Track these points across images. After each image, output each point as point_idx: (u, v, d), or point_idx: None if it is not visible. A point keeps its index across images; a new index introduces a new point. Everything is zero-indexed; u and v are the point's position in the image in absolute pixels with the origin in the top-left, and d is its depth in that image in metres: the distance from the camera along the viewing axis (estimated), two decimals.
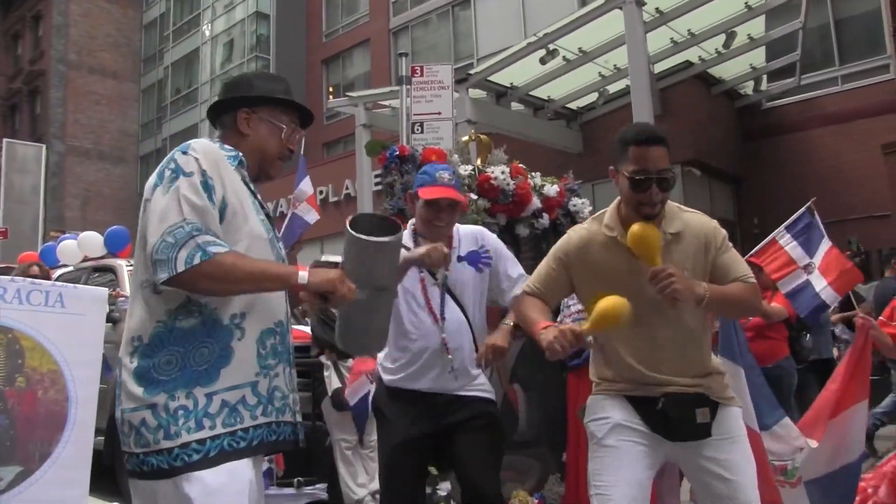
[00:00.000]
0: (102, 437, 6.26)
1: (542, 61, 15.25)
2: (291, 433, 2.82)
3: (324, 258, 3.17)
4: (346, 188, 23.29)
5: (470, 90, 15.62)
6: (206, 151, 2.68)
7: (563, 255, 3.56)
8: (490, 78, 16.22)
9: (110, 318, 5.20)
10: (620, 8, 13.43)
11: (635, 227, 3.24)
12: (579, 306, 5.53)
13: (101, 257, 10.29)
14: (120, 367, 2.66)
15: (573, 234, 3.63)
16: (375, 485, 6.56)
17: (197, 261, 2.47)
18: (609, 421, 3.40)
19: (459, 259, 4.00)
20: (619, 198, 3.54)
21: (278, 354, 2.78)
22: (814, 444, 4.90)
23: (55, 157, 37.08)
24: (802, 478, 4.88)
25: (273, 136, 2.92)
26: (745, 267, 3.51)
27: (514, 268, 4.14)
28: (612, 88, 17.50)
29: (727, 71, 18.00)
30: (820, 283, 5.97)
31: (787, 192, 14.99)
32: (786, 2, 15.26)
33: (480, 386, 4.03)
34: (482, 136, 6.48)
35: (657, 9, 14.47)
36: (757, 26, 16.08)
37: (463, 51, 26.39)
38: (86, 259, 10.56)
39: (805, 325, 8.25)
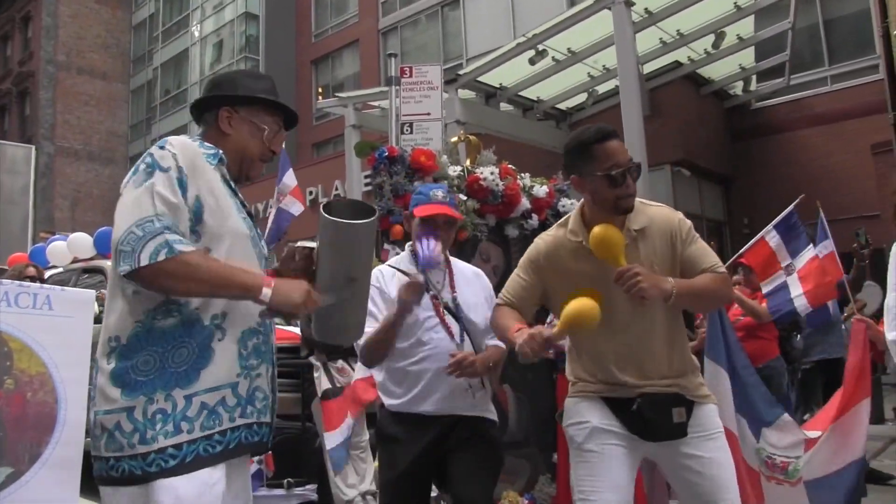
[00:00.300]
0: None
1: (532, 62, 15.28)
2: (269, 435, 2.76)
3: (300, 244, 3.15)
4: (336, 189, 23.27)
5: (459, 91, 15.64)
6: (184, 148, 2.61)
7: (534, 265, 3.57)
8: (479, 78, 16.24)
9: (98, 320, 5.18)
10: (609, 8, 13.46)
11: (596, 230, 3.22)
12: None
13: (91, 258, 10.28)
14: (96, 368, 2.59)
15: (540, 243, 3.62)
16: (365, 485, 6.55)
17: (162, 257, 2.38)
18: (587, 425, 3.40)
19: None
20: (581, 203, 3.56)
21: (261, 355, 2.70)
22: (817, 434, 4.90)
23: (45, 158, 36.98)
24: (804, 478, 4.88)
25: (254, 137, 2.86)
26: (714, 257, 3.48)
27: None
28: (602, 89, 17.54)
29: (716, 71, 18.05)
30: (796, 290, 5.95)
31: (776, 193, 15.01)
32: (775, 2, 15.30)
33: (484, 406, 4.02)
34: (471, 137, 6.47)
35: (646, 9, 14.50)
36: (746, 26, 16.12)
37: (452, 51, 26.41)
38: (76, 260, 10.55)
39: (796, 325, 8.27)
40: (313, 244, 2.90)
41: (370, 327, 3.80)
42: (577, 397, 3.53)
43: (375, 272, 4.13)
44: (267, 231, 7.74)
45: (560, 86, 17.23)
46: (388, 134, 7.94)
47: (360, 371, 5.89)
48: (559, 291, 3.45)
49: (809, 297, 5.93)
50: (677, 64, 17.15)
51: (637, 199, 3.46)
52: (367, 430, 6.66)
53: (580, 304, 3.03)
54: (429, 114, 7.71)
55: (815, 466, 4.92)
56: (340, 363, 6.76)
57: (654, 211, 3.50)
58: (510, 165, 6.23)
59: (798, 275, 5.93)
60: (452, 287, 4.03)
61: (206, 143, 2.74)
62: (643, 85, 15.17)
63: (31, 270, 7.79)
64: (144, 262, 2.37)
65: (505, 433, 5.87)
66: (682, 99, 17.68)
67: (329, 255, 2.74)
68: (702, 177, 18.34)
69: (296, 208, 7.97)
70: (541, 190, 6.21)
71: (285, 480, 6.60)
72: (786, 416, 5.03)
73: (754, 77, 18.69)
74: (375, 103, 17.56)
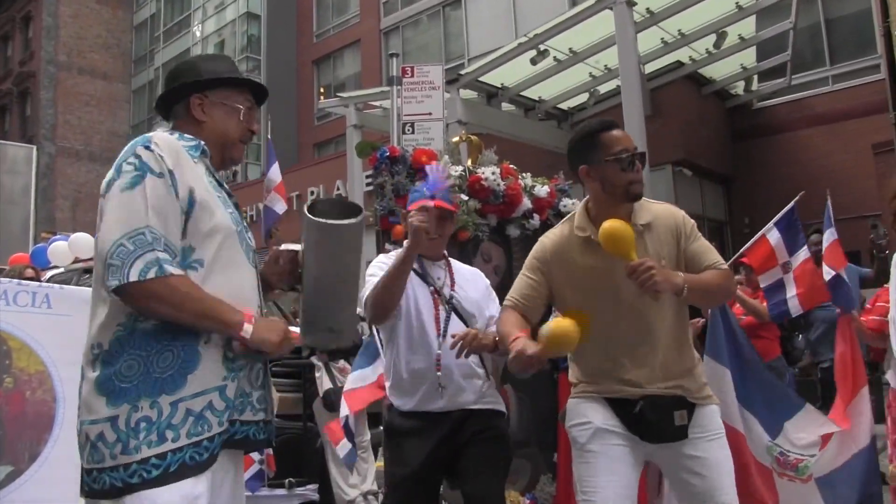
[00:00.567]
0: None
1: (533, 62, 15.27)
2: (256, 432, 2.63)
3: (284, 246, 3.13)
4: (338, 189, 23.25)
5: (461, 91, 15.63)
6: (170, 147, 2.52)
7: (540, 263, 3.56)
8: (481, 78, 16.23)
9: None
10: (611, 8, 13.46)
11: (606, 225, 3.19)
12: None
13: (92, 258, 10.27)
14: (81, 378, 2.48)
15: (546, 241, 3.63)
16: (367, 485, 6.56)
17: (151, 275, 2.31)
18: (590, 426, 3.41)
19: None
20: (585, 199, 3.57)
21: (249, 354, 2.57)
22: (838, 428, 4.91)
23: (45, 159, 36.99)
24: (814, 475, 4.88)
25: (231, 119, 2.78)
26: (716, 254, 3.51)
27: (496, 308, 4.10)
28: (603, 89, 17.52)
29: (718, 71, 18.03)
30: (791, 290, 5.94)
31: (777, 193, 14.95)
32: (776, 2, 15.29)
33: (491, 398, 4.01)
34: (473, 137, 6.47)
35: (647, 9, 14.49)
36: (747, 26, 16.10)
37: (454, 51, 26.39)
38: (77, 260, 10.55)
39: (798, 325, 8.26)
40: (298, 246, 2.84)
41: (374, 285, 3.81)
42: (579, 398, 3.52)
43: (380, 260, 4.14)
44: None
45: (561, 86, 17.22)
46: (390, 134, 7.94)
47: (355, 378, 5.76)
48: (566, 289, 3.45)
49: (802, 300, 5.91)
50: (679, 64, 17.14)
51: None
52: (367, 430, 6.66)
53: (559, 325, 3.00)
54: (430, 114, 7.70)
55: (823, 463, 4.92)
56: (342, 363, 6.76)
57: (658, 208, 3.53)
58: (511, 165, 6.23)
59: (793, 274, 5.91)
60: (452, 284, 4.03)
61: (185, 136, 2.66)
62: (644, 85, 15.15)
63: (30, 272, 7.81)
64: (133, 278, 2.31)
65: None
66: (684, 99, 17.66)
67: (315, 257, 2.68)
68: (703, 177, 18.33)
69: (279, 206, 7.96)
70: (542, 190, 6.21)
71: (286, 480, 6.59)
72: (808, 406, 5.01)
73: (756, 77, 18.66)
74: (377, 103, 17.56)
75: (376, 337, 5.04)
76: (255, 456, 6.20)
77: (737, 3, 14.90)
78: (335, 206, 2.79)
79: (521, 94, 17.28)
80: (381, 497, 6.27)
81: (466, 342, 3.66)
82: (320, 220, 2.63)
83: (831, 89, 18.42)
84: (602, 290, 3.35)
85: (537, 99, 17.68)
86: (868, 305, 5.65)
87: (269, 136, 10.16)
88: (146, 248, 2.34)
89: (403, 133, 7.55)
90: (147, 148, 2.48)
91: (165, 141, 2.54)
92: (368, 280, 3.98)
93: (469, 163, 6.12)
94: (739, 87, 19.07)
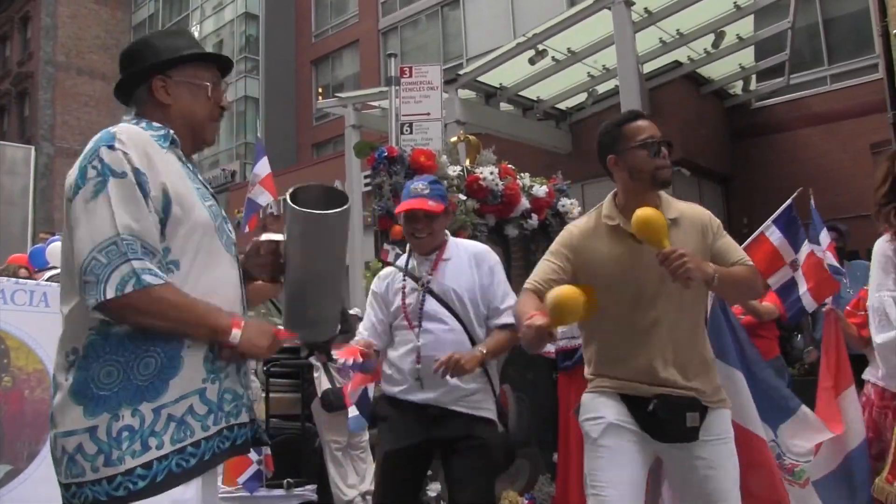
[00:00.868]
0: None
1: (531, 62, 15.24)
2: (249, 434, 2.52)
3: (264, 236, 3.10)
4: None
5: (459, 91, 15.60)
6: (135, 141, 2.33)
7: (566, 250, 3.55)
8: (479, 78, 16.19)
9: None
10: (609, 8, 13.43)
11: (640, 212, 3.20)
12: None
13: None
14: (54, 386, 2.34)
15: (573, 228, 3.65)
16: (365, 485, 6.56)
17: (129, 288, 2.17)
18: (603, 421, 3.41)
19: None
20: (614, 190, 3.59)
21: (234, 360, 2.45)
22: (832, 434, 4.89)
23: (44, 159, 36.96)
24: (811, 479, 4.87)
25: (198, 98, 2.58)
26: (743, 252, 3.56)
27: (504, 298, 4.12)
28: (601, 89, 17.49)
29: (716, 71, 18.01)
30: (802, 286, 5.92)
31: (776, 192, 14.90)
32: (774, 1, 15.26)
33: (477, 403, 4.02)
34: (471, 137, 6.48)
35: (646, 9, 14.46)
36: (746, 26, 16.08)
37: (452, 51, 26.38)
38: None
39: (797, 325, 8.25)
40: (280, 237, 2.75)
41: (365, 334, 3.89)
42: (594, 393, 3.54)
43: (377, 278, 4.18)
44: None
45: (560, 86, 17.19)
46: (388, 134, 7.94)
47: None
48: (589, 277, 3.45)
49: (813, 294, 5.89)
50: (677, 63, 17.11)
51: (666, 195, 3.56)
52: (367, 429, 6.66)
53: (562, 291, 2.99)
54: (428, 114, 7.71)
55: (818, 467, 4.91)
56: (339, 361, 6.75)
57: (685, 206, 3.59)
58: (510, 165, 6.24)
59: (802, 270, 5.88)
60: (433, 271, 4.04)
61: (153, 125, 2.48)
62: (643, 85, 15.12)
63: (24, 273, 7.81)
64: (111, 294, 2.16)
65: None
66: (682, 99, 17.64)
67: (299, 248, 2.57)
68: (701, 176, 18.31)
69: (263, 198, 7.94)
70: (540, 190, 6.22)
71: (285, 481, 6.60)
72: (802, 410, 5.00)
73: (754, 77, 18.63)
74: (375, 103, 17.53)
75: None
76: (254, 456, 6.21)
77: (735, 2, 14.88)
78: (320, 194, 2.66)
79: (520, 94, 17.25)
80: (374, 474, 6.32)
81: (449, 366, 3.69)
82: (304, 210, 2.51)
83: (829, 89, 18.40)
84: (625, 280, 3.38)
85: (536, 99, 17.65)
86: (849, 308, 5.62)
87: (259, 136, 10.15)
88: (120, 260, 2.19)
89: (402, 133, 7.56)
90: (110, 147, 2.30)
91: (130, 135, 2.36)
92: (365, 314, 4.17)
93: (467, 163, 6.13)
94: (738, 87, 19.04)
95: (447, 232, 4.20)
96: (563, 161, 15.34)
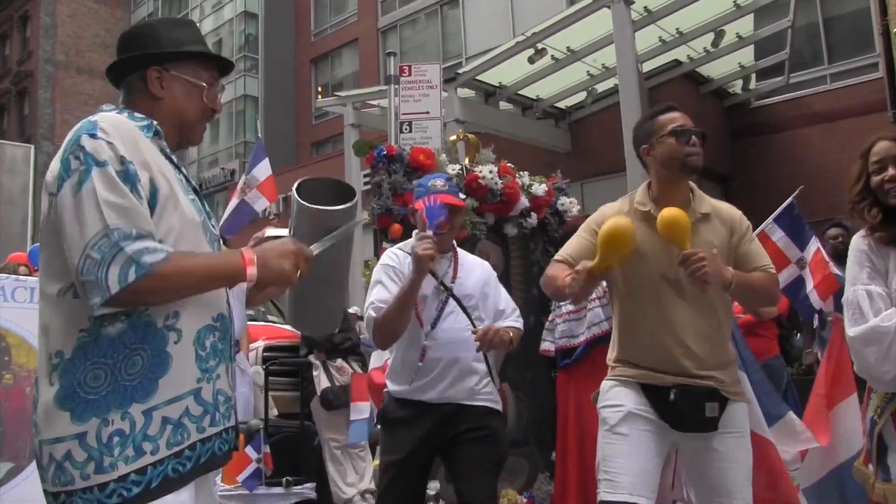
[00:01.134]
0: None
1: (531, 60, 15.24)
2: (235, 440, 2.41)
3: (268, 233, 3.06)
4: None
5: (458, 89, 15.60)
6: (120, 129, 2.21)
7: (598, 226, 3.56)
8: (478, 77, 16.19)
9: None
10: (608, 7, 13.45)
11: (665, 212, 3.27)
12: (570, 307, 5.53)
13: None
14: (37, 391, 2.22)
15: (606, 209, 3.70)
16: (364, 484, 6.56)
17: (132, 277, 2.04)
18: (622, 409, 3.44)
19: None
20: (647, 180, 3.66)
21: (219, 353, 2.33)
22: (817, 444, 4.88)
23: (44, 158, 36.80)
24: (800, 486, 4.87)
25: (192, 97, 2.47)
26: (767, 258, 3.62)
27: (508, 302, 4.17)
28: (601, 88, 17.48)
29: (716, 70, 18.00)
30: (809, 284, 5.89)
31: (775, 191, 14.89)
32: (774, 0, 15.27)
33: (487, 395, 4.02)
34: (470, 136, 6.47)
35: (645, 7, 14.47)
36: (745, 25, 16.08)
37: (451, 50, 26.39)
38: None
39: (796, 324, 8.23)
40: (284, 232, 2.69)
41: (383, 304, 3.82)
42: (614, 380, 3.57)
43: (389, 253, 4.14)
44: (222, 219, 7.52)
45: (559, 84, 17.19)
46: (388, 133, 7.94)
47: (375, 359, 5.87)
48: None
49: (819, 291, 5.87)
50: (676, 62, 17.11)
51: (700, 191, 3.63)
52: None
53: (616, 221, 3.12)
54: (428, 112, 7.70)
55: (807, 474, 4.91)
56: (339, 362, 6.78)
57: (719, 203, 3.66)
58: (509, 164, 6.24)
59: (809, 268, 5.86)
60: (455, 276, 4.02)
61: (136, 115, 2.36)
62: (642, 83, 15.12)
63: (24, 270, 7.80)
64: (115, 288, 2.04)
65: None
66: (682, 97, 17.59)
67: (305, 244, 2.44)
68: (701, 175, 17.90)
69: (259, 204, 7.77)
70: (540, 188, 6.22)
71: (284, 479, 6.59)
72: (790, 413, 4.99)
73: (754, 76, 18.63)
74: (374, 102, 17.53)
75: None
76: (253, 454, 6.21)
77: (735, 1, 14.87)
78: (326, 187, 2.59)
79: (519, 92, 17.24)
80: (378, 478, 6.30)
81: (488, 338, 3.69)
82: (313, 206, 2.45)
83: (829, 88, 18.40)
84: (650, 265, 3.43)
85: (535, 98, 17.65)
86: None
87: (258, 136, 10.05)
88: (114, 250, 2.05)
89: (401, 132, 7.55)
90: (92, 136, 2.17)
91: (114, 122, 2.24)
92: (374, 290, 3.99)
93: (466, 161, 6.13)
94: (737, 86, 19.03)
95: None
96: (563, 160, 15.36)
